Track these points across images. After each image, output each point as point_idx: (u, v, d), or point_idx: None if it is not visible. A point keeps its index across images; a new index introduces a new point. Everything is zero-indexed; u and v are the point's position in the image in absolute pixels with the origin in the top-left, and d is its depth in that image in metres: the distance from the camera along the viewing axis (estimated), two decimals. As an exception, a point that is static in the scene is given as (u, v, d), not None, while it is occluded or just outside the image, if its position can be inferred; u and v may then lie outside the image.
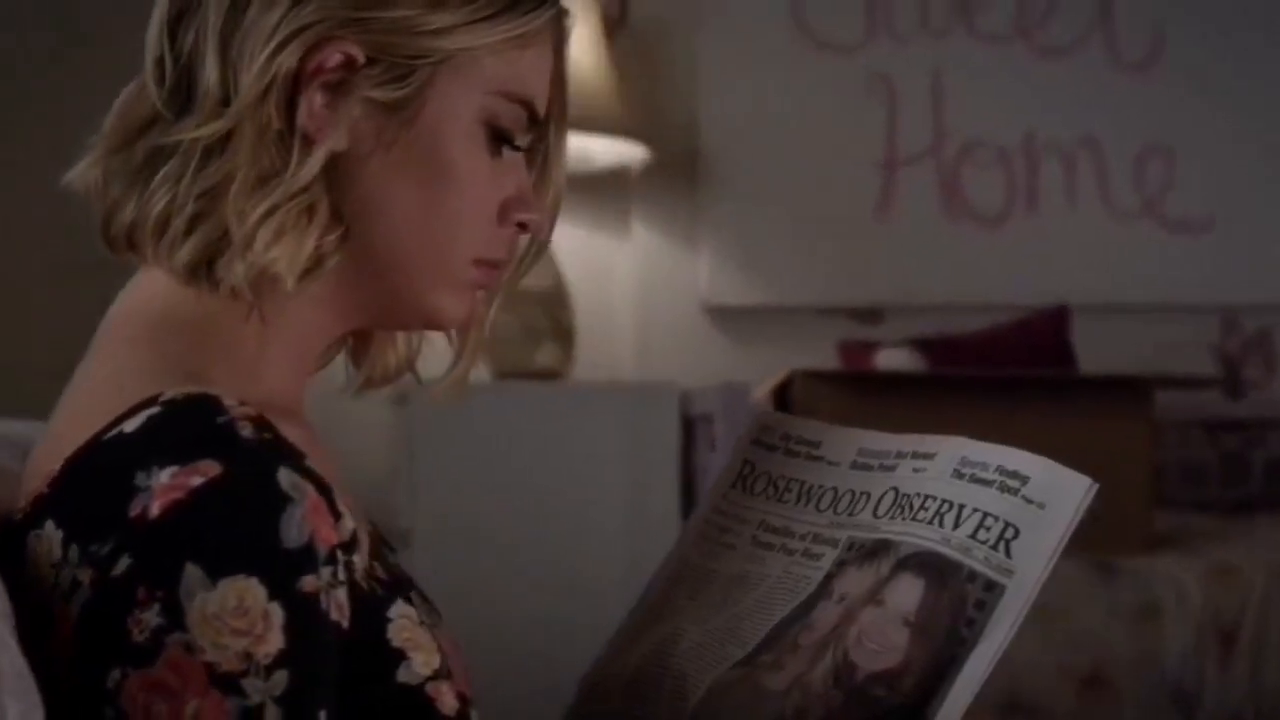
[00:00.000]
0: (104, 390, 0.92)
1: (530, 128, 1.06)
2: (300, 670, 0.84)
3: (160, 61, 0.99)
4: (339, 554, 0.89)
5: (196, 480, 0.85)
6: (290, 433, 0.93)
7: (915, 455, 1.12)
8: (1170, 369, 3.28)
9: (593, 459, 2.96)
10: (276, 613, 0.84)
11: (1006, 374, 2.94)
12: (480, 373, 3.23)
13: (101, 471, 0.87)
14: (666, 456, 2.94)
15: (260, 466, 0.86)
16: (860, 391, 2.85)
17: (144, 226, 0.96)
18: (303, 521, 0.86)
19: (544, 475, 2.95)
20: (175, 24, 0.99)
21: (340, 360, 1.15)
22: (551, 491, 2.94)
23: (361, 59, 0.98)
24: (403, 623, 0.95)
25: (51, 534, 0.87)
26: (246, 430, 0.87)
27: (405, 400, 2.97)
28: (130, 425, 0.88)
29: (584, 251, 3.54)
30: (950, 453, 1.09)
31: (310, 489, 0.87)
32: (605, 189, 3.54)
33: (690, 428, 2.93)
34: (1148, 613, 2.75)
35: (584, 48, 3.32)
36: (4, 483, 0.94)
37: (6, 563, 0.88)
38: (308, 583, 0.86)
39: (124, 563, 0.84)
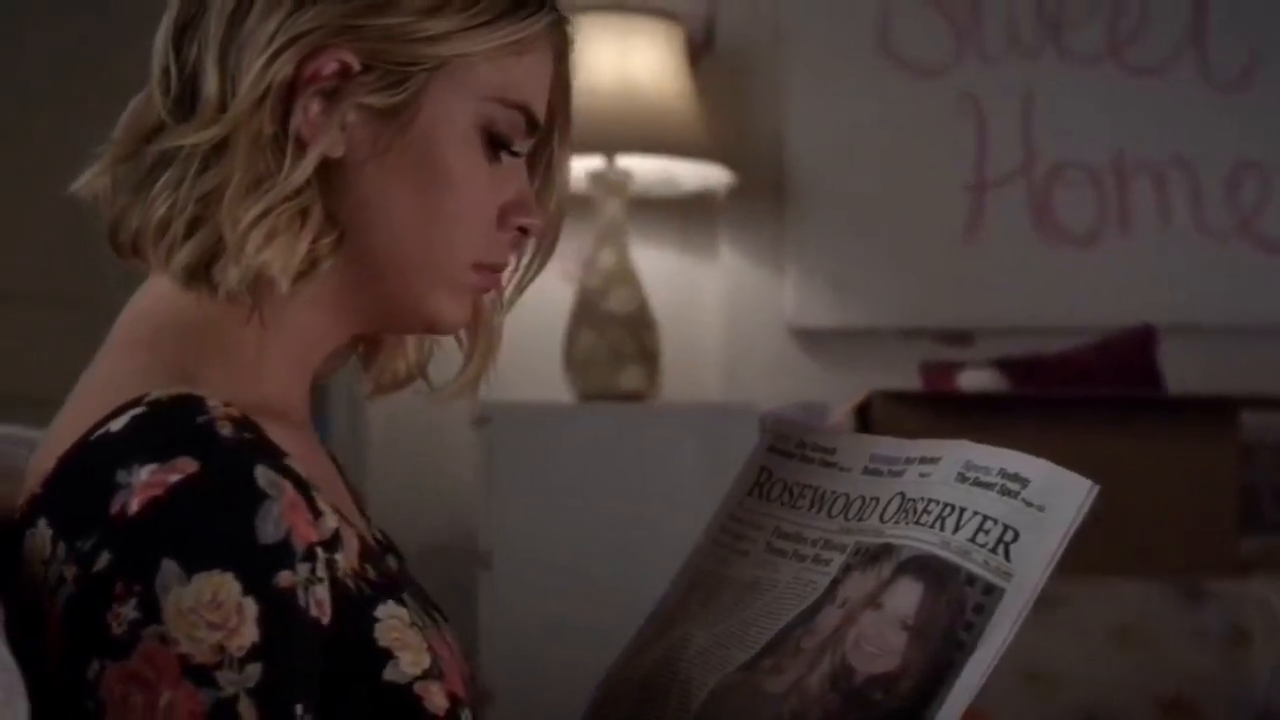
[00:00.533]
0: (101, 392, 0.95)
1: (530, 133, 1.08)
2: (274, 663, 0.86)
3: (166, 71, 1.02)
4: (318, 551, 0.91)
5: (174, 478, 0.87)
6: (282, 434, 0.96)
7: (923, 460, 1.12)
8: (1262, 390, 3.22)
9: (673, 480, 2.97)
10: (251, 607, 0.86)
11: (1089, 394, 2.92)
12: (564, 394, 3.26)
13: (87, 470, 0.90)
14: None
15: (237, 464, 0.89)
16: (940, 412, 2.85)
17: (146, 232, 0.99)
18: (280, 518, 0.88)
19: (624, 497, 2.97)
20: (180, 34, 1.02)
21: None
22: (631, 513, 2.95)
23: (357, 66, 1.00)
24: (391, 623, 0.96)
25: (43, 532, 0.90)
26: (226, 429, 0.90)
27: (486, 422, 3.00)
28: (115, 425, 0.90)
29: (670, 275, 3.56)
30: (955, 456, 1.09)
31: (288, 486, 0.90)
32: (692, 213, 3.56)
33: (770, 449, 2.93)
34: (1235, 636, 2.71)
35: (668, 73, 3.35)
36: (12, 483, 0.97)
37: (5, 561, 0.91)
38: (284, 578, 0.88)
39: (104, 558, 0.87)
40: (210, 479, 0.88)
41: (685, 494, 2.95)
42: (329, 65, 0.99)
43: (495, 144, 1.06)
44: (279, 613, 0.87)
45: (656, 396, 3.31)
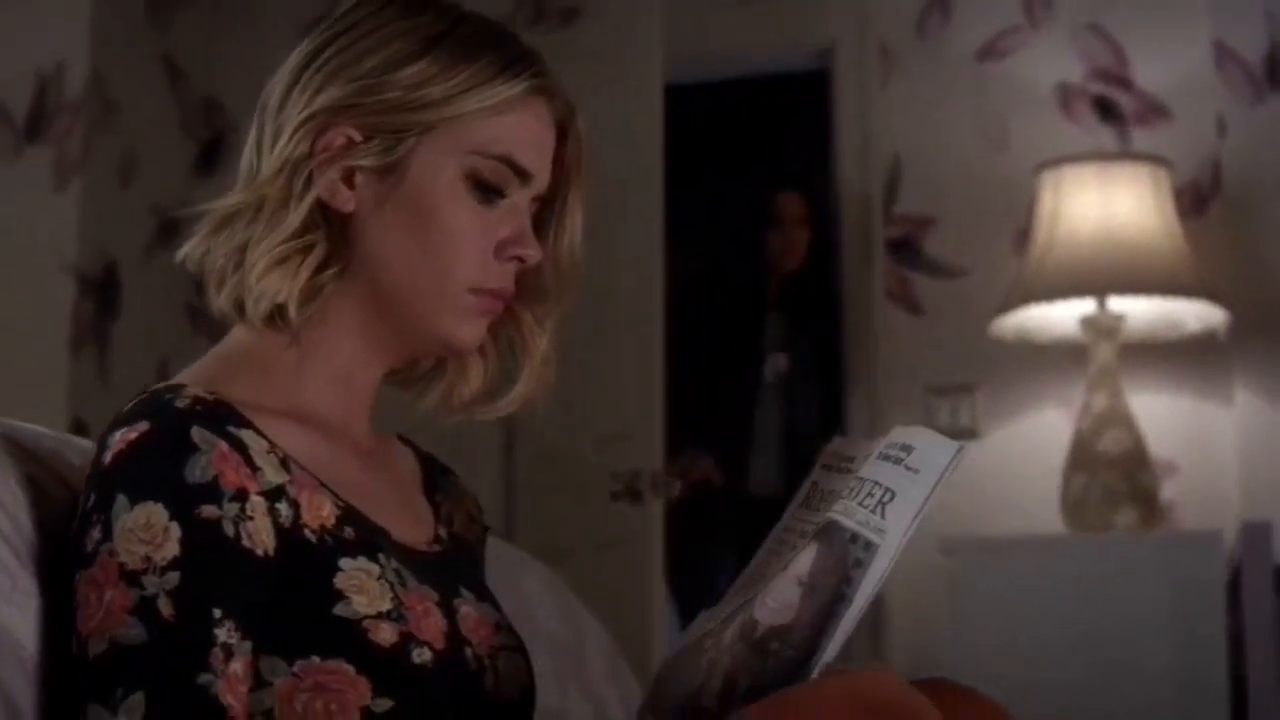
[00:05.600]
0: None
1: (522, 181, 1.30)
2: (191, 574, 1.13)
3: (248, 157, 1.34)
4: (252, 497, 1.17)
5: (133, 435, 1.17)
6: (297, 432, 1.25)
7: (886, 445, 1.23)
8: None
9: (1133, 610, 2.96)
10: (175, 530, 1.14)
11: None
12: (1056, 527, 3.31)
13: (102, 440, 1.21)
14: (1212, 607, 2.90)
15: (177, 424, 1.17)
16: None
17: (209, 281, 1.29)
18: (208, 465, 1.16)
19: (1085, 627, 2.98)
20: (259, 130, 1.33)
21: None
22: (1094, 643, 2.96)
23: (359, 138, 1.27)
24: (354, 573, 1.20)
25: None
26: (183, 404, 1.18)
27: (954, 551, 3.11)
28: (127, 407, 1.21)
29: (1176, 416, 3.55)
30: (889, 439, 1.21)
31: (222, 444, 1.17)
32: (1196, 354, 3.54)
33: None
34: None
35: (1153, 214, 3.39)
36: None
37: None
38: (206, 510, 1.15)
39: (90, 498, 1.18)
40: (154, 435, 1.17)
41: (1146, 625, 2.94)
42: (337, 139, 1.27)
43: (486, 189, 1.29)
44: (198, 536, 1.14)
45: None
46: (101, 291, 3.85)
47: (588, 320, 3.66)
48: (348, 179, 1.28)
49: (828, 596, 1.14)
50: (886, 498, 1.15)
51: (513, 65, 1.29)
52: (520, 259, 1.32)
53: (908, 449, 1.17)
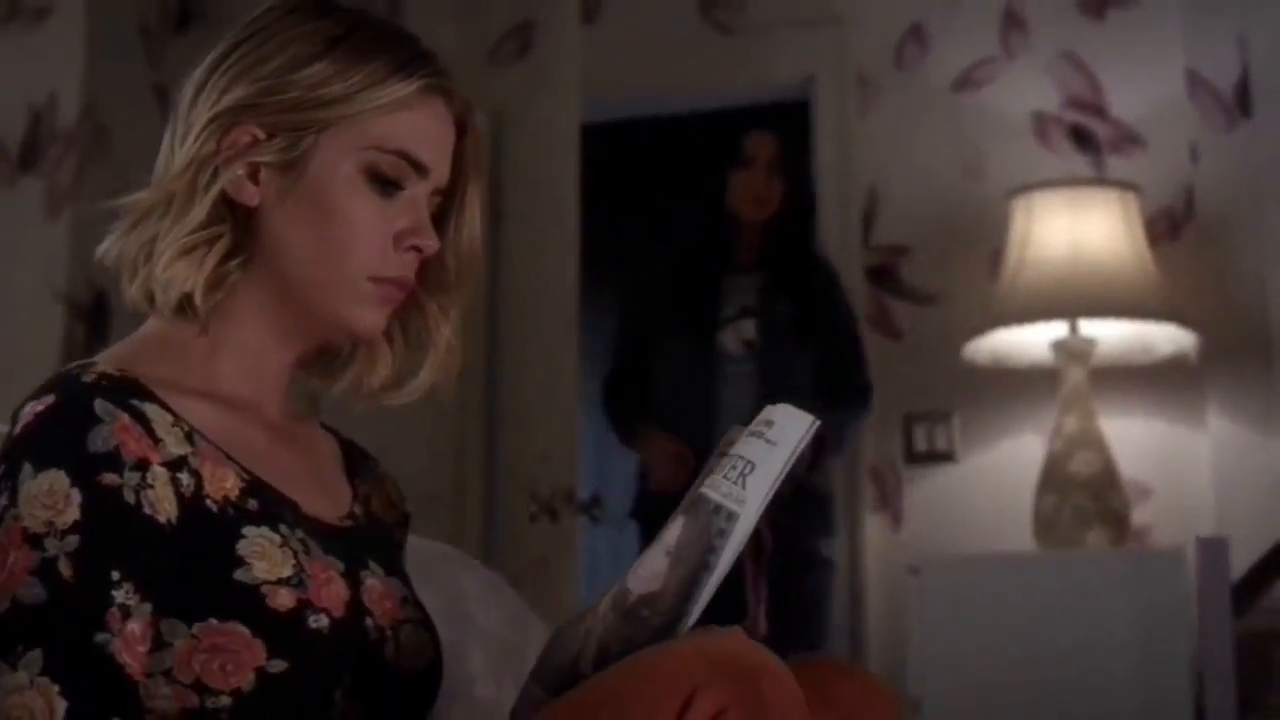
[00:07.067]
0: None
1: (419, 174, 1.36)
2: (90, 537, 1.18)
3: (163, 156, 1.39)
4: (154, 467, 1.22)
5: (40, 408, 1.24)
6: (210, 410, 1.30)
7: (754, 423, 1.27)
8: None
9: (1099, 626, 2.98)
10: (76, 496, 1.19)
11: None
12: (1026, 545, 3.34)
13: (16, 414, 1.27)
14: (1176, 624, 2.92)
15: (80, 397, 1.23)
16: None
17: (122, 273, 1.35)
18: (109, 436, 1.21)
19: (1050, 644, 3.01)
20: (172, 131, 1.39)
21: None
22: (1059, 659, 2.99)
23: (263, 135, 1.33)
24: (256, 540, 1.26)
25: None
26: (89, 379, 1.24)
27: (918, 571, 3.14)
28: (42, 384, 1.27)
29: (1148, 439, 3.58)
30: (759, 416, 1.25)
31: (124, 417, 1.23)
32: (1168, 378, 3.58)
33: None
34: None
35: (1123, 239, 3.43)
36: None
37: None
38: (107, 478, 1.20)
39: (2, 468, 1.23)
40: (59, 407, 1.23)
41: (1111, 641, 2.96)
42: (243, 137, 1.33)
43: (384, 183, 1.35)
44: (100, 501, 1.20)
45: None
46: (92, 319, 3.91)
47: (510, 342, 3.85)
48: (253, 174, 1.34)
49: (693, 566, 1.19)
50: (747, 470, 1.19)
51: (407, 65, 1.35)
52: (418, 249, 1.37)
53: (769, 424, 1.22)
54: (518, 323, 3.97)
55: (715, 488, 1.21)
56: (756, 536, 2.92)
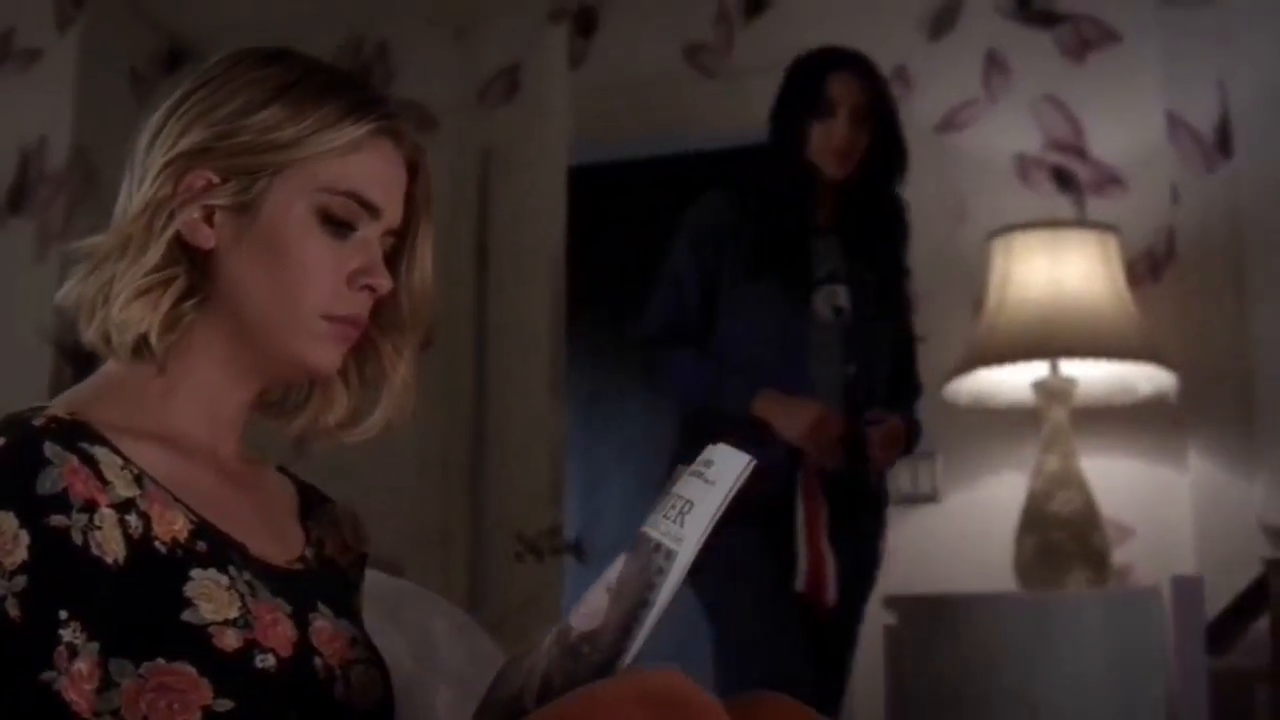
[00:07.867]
0: None
1: (371, 215, 1.38)
2: (38, 578, 1.19)
3: (121, 201, 1.41)
4: (102, 509, 1.24)
5: None
6: (161, 454, 1.32)
7: (696, 462, 1.29)
8: None
9: (1077, 666, 2.99)
10: (24, 537, 1.20)
11: None
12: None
13: None
14: (1153, 663, 2.93)
15: (30, 440, 1.24)
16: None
17: (80, 317, 1.37)
18: (58, 479, 1.23)
19: (1029, 683, 3.01)
20: (129, 176, 1.41)
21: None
22: (1039, 700, 2.99)
23: (217, 179, 1.35)
24: (204, 582, 1.27)
25: None
26: (39, 422, 1.25)
27: (898, 610, 3.15)
28: None
29: (1131, 479, 3.59)
30: (700, 456, 1.27)
31: (73, 459, 1.24)
32: (1150, 418, 3.59)
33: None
34: None
35: (1113, 287, 3.45)
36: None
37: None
38: (55, 520, 1.22)
39: None
40: (9, 450, 1.24)
41: (1087, 679, 2.97)
42: (198, 181, 1.36)
43: (336, 224, 1.38)
44: (48, 543, 1.21)
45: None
46: (80, 361, 3.93)
47: (497, 380, 3.88)
48: (208, 217, 1.36)
49: (633, 602, 1.20)
50: (686, 509, 1.21)
51: (357, 109, 1.38)
52: (371, 288, 1.40)
53: (709, 464, 1.23)
54: (505, 362, 4.00)
55: (655, 526, 1.22)
56: (812, 504, 2.90)
